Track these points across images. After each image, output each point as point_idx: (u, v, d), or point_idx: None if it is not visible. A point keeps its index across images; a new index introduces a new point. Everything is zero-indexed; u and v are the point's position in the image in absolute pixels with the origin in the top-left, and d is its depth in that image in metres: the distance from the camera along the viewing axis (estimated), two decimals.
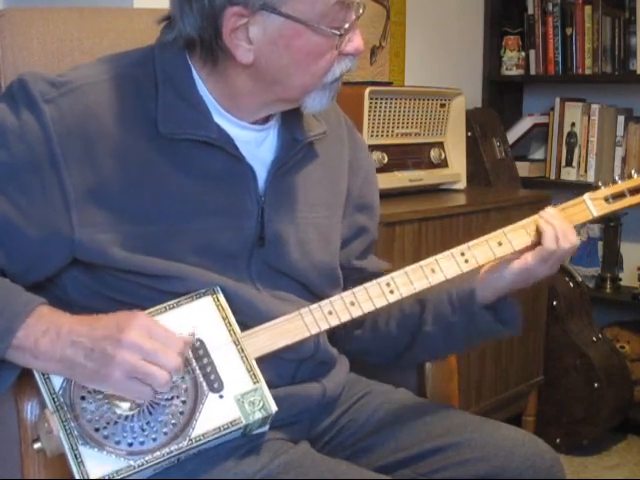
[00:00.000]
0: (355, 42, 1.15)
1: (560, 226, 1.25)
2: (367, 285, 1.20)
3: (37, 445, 1.08)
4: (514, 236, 1.26)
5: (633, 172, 1.32)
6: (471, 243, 1.25)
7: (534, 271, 1.26)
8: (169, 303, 1.13)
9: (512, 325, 1.32)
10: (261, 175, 1.21)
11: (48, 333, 1.04)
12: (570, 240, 1.26)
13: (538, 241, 1.25)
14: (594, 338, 2.71)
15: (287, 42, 1.11)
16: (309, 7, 1.09)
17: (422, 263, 1.23)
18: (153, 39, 1.20)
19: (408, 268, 1.22)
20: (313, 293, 1.24)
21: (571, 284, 2.73)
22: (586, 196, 1.30)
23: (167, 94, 1.15)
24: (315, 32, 1.10)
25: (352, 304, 1.19)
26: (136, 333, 1.02)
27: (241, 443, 1.13)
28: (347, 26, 1.12)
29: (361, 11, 1.14)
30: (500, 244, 1.25)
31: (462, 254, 1.24)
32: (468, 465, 1.21)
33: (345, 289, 1.23)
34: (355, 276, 1.36)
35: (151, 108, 1.15)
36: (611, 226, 2.90)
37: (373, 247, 1.43)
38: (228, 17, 1.09)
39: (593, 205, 1.30)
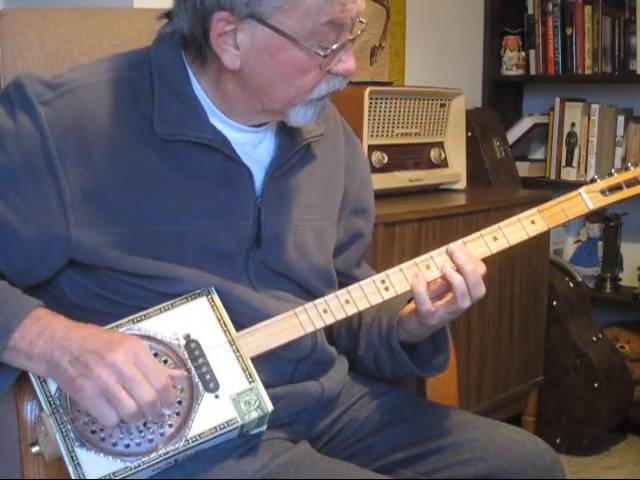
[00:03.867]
0: (346, 64, 1.14)
1: (470, 277, 1.19)
2: (362, 283, 1.20)
3: (35, 449, 1.09)
4: (510, 230, 1.26)
5: (630, 164, 1.32)
6: (466, 239, 1.24)
7: (449, 319, 1.23)
8: (164, 305, 1.13)
9: (431, 371, 1.30)
10: (258, 176, 1.21)
11: (43, 335, 1.04)
12: (478, 294, 1.20)
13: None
14: (594, 338, 2.71)
15: (272, 54, 1.11)
16: (297, 23, 1.08)
17: (417, 260, 1.22)
18: (153, 40, 1.20)
19: (403, 265, 1.22)
20: (310, 293, 1.24)
21: (571, 284, 2.73)
22: (582, 189, 1.29)
23: (163, 95, 1.15)
24: (300, 49, 1.10)
25: (347, 302, 1.19)
26: (122, 356, 1.01)
27: (240, 443, 1.13)
28: (335, 47, 1.11)
29: (359, 32, 1.13)
30: (495, 239, 1.25)
31: None
32: (468, 465, 1.21)
33: None
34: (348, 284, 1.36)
35: (147, 109, 1.15)
36: (611, 226, 2.90)
37: (365, 253, 1.43)
38: (216, 21, 1.09)
39: (589, 198, 1.29)
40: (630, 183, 1.30)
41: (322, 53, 1.11)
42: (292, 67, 1.12)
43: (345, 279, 1.33)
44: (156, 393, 1.02)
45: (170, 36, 1.16)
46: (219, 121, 1.18)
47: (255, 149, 1.22)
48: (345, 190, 1.34)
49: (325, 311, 1.18)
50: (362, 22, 1.16)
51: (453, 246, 1.22)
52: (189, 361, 1.10)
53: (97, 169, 1.12)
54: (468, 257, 1.20)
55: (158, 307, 1.13)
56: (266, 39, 1.10)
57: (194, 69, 1.17)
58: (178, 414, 1.07)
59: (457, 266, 1.20)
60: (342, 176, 1.34)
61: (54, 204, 1.11)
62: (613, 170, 1.31)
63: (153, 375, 1.02)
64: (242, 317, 1.16)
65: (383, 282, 1.21)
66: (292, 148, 1.23)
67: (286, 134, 1.24)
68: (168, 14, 1.18)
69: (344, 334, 1.37)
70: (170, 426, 1.07)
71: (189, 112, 1.16)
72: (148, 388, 1.01)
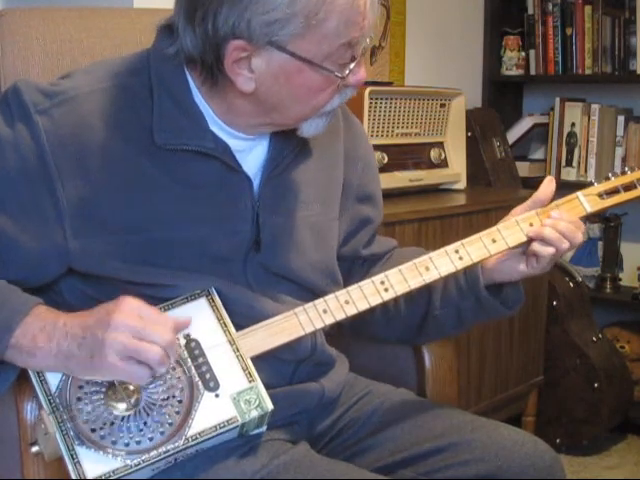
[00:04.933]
0: (358, 75, 1.14)
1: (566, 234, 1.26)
2: (361, 283, 1.21)
3: (35, 449, 1.09)
4: (508, 233, 1.26)
5: (627, 169, 1.32)
6: (465, 240, 1.25)
7: (538, 272, 1.29)
8: (164, 305, 1.13)
9: (514, 306, 1.33)
10: (255, 180, 1.20)
11: (45, 330, 1.04)
12: (573, 242, 1.27)
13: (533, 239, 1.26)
14: (594, 338, 2.71)
15: (289, 77, 1.10)
16: (315, 46, 1.08)
17: (416, 261, 1.23)
18: (153, 40, 1.19)
19: (402, 266, 1.23)
20: (312, 293, 1.24)
21: (571, 284, 2.73)
22: (579, 193, 1.31)
23: (163, 103, 1.14)
24: (317, 71, 1.09)
25: (347, 302, 1.19)
26: (125, 314, 1.02)
27: (240, 443, 1.13)
28: (352, 66, 1.11)
29: (368, 41, 1.12)
30: (494, 241, 1.26)
31: (456, 251, 1.25)
32: (468, 465, 1.21)
33: (354, 279, 1.23)
34: (366, 264, 1.38)
35: (146, 118, 1.14)
36: (611, 226, 2.90)
37: (375, 233, 1.44)
38: (231, 49, 1.08)
39: (587, 201, 1.30)
40: (627, 187, 1.32)
41: (340, 75, 1.11)
42: (308, 88, 1.11)
43: (354, 261, 1.36)
44: (172, 332, 1.04)
45: (174, 56, 1.14)
46: (219, 129, 1.17)
47: (251, 153, 1.21)
48: (346, 179, 1.33)
49: (325, 311, 1.18)
50: None
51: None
52: (189, 360, 1.10)
53: (94, 179, 1.11)
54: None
55: (158, 307, 1.13)
56: (283, 64, 1.09)
57: (199, 85, 1.15)
58: (178, 413, 1.08)
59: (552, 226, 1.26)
60: (341, 166, 1.33)
61: (51, 213, 1.10)
62: (610, 174, 1.32)
63: (161, 318, 1.05)
64: (241, 319, 1.16)
65: (382, 283, 1.21)
66: (287, 147, 1.23)
67: (280, 134, 1.22)
68: (168, 25, 1.16)
69: (404, 308, 1.36)
70: (170, 424, 1.07)
71: (189, 121, 1.15)
72: (163, 329, 1.03)
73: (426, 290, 1.33)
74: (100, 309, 1.05)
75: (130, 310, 1.03)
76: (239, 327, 1.15)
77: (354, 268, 1.38)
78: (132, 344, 1.01)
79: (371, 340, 1.47)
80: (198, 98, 1.16)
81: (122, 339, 1.01)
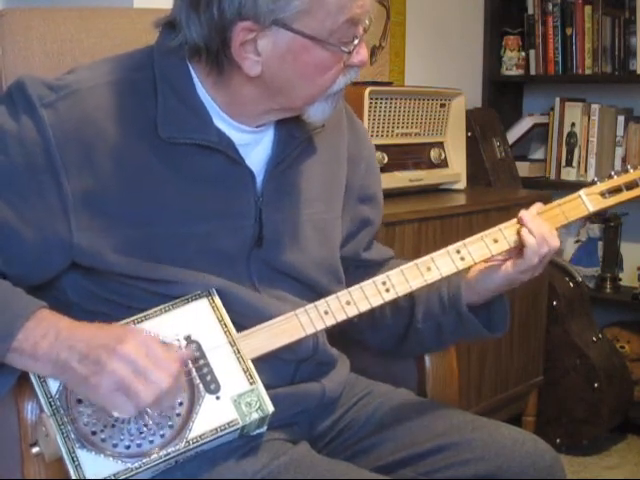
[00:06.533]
0: (361, 54, 1.15)
1: (539, 235, 1.25)
2: (363, 284, 1.21)
3: (35, 449, 1.08)
4: (510, 232, 1.26)
5: (629, 167, 1.32)
6: (467, 240, 1.25)
7: (518, 278, 1.29)
8: (165, 305, 1.13)
9: (498, 329, 1.33)
10: (259, 175, 1.20)
11: (47, 336, 1.04)
12: (550, 245, 1.25)
13: (521, 246, 1.26)
14: (594, 338, 2.71)
15: (295, 57, 1.10)
16: (319, 24, 1.08)
17: (418, 261, 1.23)
18: (153, 39, 1.19)
19: (404, 266, 1.23)
20: (314, 291, 1.24)
21: (571, 284, 2.73)
22: (582, 192, 1.30)
23: (167, 98, 1.14)
24: (323, 48, 1.10)
25: (348, 303, 1.19)
26: (133, 347, 1.01)
27: (241, 444, 1.13)
28: (356, 42, 1.12)
29: (367, 22, 1.13)
30: (496, 241, 1.25)
31: (458, 252, 1.24)
32: (468, 465, 1.21)
33: (350, 281, 1.23)
34: (361, 269, 1.38)
35: (151, 112, 1.14)
36: (611, 226, 2.90)
37: (375, 236, 1.44)
38: (237, 31, 1.08)
39: (589, 200, 1.30)
40: (630, 186, 1.31)
41: (346, 50, 1.11)
42: (315, 66, 1.12)
43: (353, 263, 1.35)
44: (171, 379, 1.02)
45: (178, 49, 1.14)
46: (223, 123, 1.17)
47: (256, 148, 1.22)
48: (348, 180, 1.33)
49: (326, 312, 1.18)
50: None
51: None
52: (190, 362, 1.10)
53: (99, 172, 1.11)
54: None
55: (159, 308, 1.13)
56: (289, 43, 1.09)
57: (204, 78, 1.15)
58: (179, 415, 1.07)
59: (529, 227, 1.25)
60: (344, 166, 1.33)
61: (56, 207, 1.10)
62: (613, 172, 1.32)
63: (165, 363, 1.03)
64: (244, 318, 1.16)
65: (384, 284, 1.21)
66: (292, 144, 1.23)
67: (285, 130, 1.23)
68: (169, 21, 1.16)
69: (389, 316, 1.37)
70: (171, 427, 1.07)
71: (193, 114, 1.15)
72: (163, 375, 1.01)
73: (411, 301, 1.34)
74: (111, 331, 1.05)
75: (139, 344, 1.02)
76: (241, 327, 1.15)
77: (348, 271, 1.37)
78: (128, 380, 1.00)
79: (355, 344, 1.45)
80: (202, 92, 1.16)
81: (121, 372, 1.00)
